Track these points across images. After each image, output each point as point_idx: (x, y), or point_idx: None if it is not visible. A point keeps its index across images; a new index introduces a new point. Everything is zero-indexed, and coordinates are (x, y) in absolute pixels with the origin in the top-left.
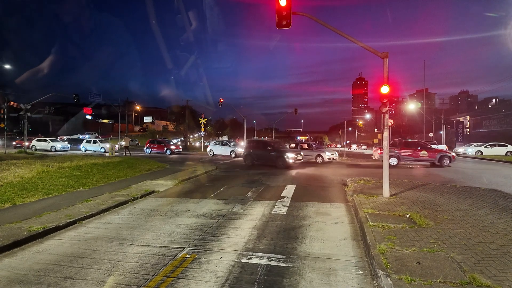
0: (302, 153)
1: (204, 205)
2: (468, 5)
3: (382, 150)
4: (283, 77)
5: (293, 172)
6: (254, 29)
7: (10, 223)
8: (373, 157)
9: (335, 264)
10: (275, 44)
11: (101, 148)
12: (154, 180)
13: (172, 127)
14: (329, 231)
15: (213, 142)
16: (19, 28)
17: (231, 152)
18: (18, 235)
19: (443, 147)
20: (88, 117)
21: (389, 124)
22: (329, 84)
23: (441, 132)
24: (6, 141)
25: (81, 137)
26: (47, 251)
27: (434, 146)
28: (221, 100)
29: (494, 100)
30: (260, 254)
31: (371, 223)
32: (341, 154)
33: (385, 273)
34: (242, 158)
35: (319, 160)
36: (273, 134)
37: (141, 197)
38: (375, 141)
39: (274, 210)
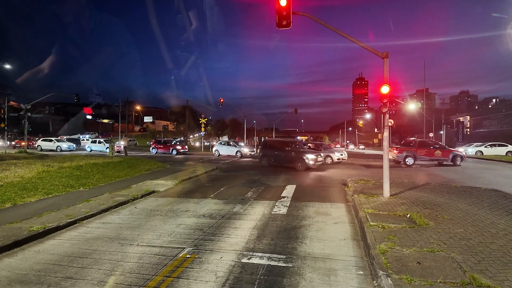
0: (322, 154)
1: (204, 205)
2: (468, 5)
3: (398, 149)
4: (283, 77)
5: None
6: (254, 29)
7: (10, 223)
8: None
9: (335, 264)
10: (275, 44)
11: (106, 148)
12: (154, 180)
13: (172, 127)
14: (329, 231)
15: (219, 142)
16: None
17: (237, 152)
18: (18, 235)
19: None
20: (89, 117)
21: (389, 124)
22: (329, 84)
23: (441, 132)
24: (6, 141)
25: (81, 137)
26: (47, 251)
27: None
28: (221, 100)
29: (494, 100)
30: (260, 254)
31: (371, 223)
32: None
33: (385, 273)
34: (247, 159)
35: (328, 160)
36: (273, 134)
37: (141, 197)
38: (375, 141)
39: (274, 210)
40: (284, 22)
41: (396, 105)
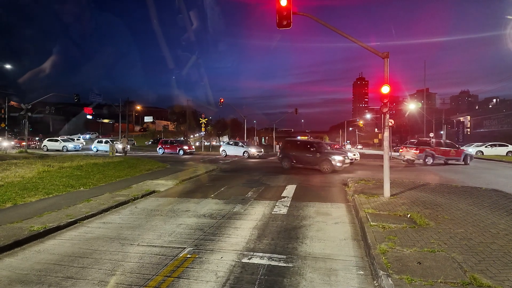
0: (349, 155)
1: (205, 205)
2: (468, 5)
3: (419, 149)
4: (284, 77)
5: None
6: (254, 29)
7: (11, 223)
8: (402, 157)
9: (336, 264)
10: (276, 44)
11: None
12: (154, 180)
13: (173, 127)
14: (329, 231)
15: (226, 142)
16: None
17: (244, 152)
18: (19, 235)
19: None
20: (89, 117)
21: (390, 124)
22: (329, 84)
23: (442, 132)
24: (9, 141)
25: (81, 137)
26: (48, 250)
27: None
28: (222, 100)
29: (494, 100)
30: (260, 254)
31: (371, 223)
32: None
33: (385, 273)
34: (254, 159)
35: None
36: (274, 133)
37: (142, 197)
38: (376, 141)
39: (274, 210)
40: (285, 22)
41: (396, 105)
